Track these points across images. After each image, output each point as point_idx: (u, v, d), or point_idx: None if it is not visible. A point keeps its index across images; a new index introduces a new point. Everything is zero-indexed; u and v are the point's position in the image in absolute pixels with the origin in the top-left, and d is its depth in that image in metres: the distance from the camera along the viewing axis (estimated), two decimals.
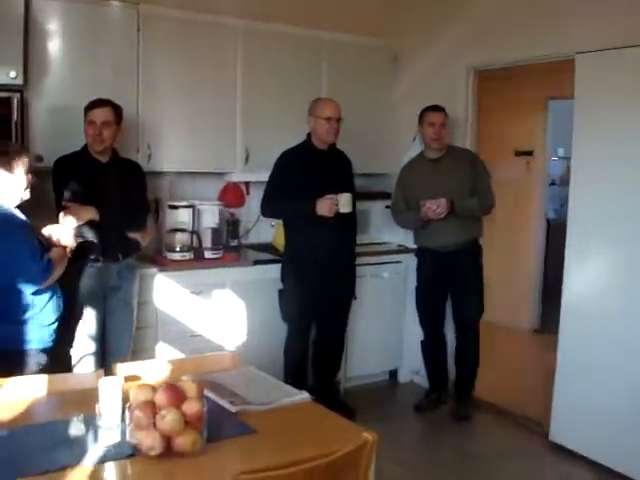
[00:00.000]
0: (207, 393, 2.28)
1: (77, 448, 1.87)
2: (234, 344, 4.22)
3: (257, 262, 4.46)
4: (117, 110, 3.60)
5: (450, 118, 4.39)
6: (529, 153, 6.30)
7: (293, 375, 4.26)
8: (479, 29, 4.46)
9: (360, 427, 2.02)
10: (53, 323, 2.90)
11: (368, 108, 4.93)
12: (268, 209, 4.21)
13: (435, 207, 4.09)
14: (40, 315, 2.82)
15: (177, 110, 4.24)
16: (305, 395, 2.38)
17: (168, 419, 1.84)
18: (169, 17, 4.14)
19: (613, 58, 3.54)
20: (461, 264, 4.28)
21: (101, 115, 3.51)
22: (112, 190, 3.57)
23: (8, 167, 2.77)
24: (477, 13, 4.48)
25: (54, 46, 3.83)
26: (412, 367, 4.95)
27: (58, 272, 2.88)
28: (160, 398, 1.90)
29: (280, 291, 4.30)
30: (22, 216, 2.82)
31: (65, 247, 2.99)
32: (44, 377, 2.38)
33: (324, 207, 3.97)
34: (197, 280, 4.15)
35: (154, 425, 1.84)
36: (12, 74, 3.58)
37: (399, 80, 5.12)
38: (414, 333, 4.70)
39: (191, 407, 1.90)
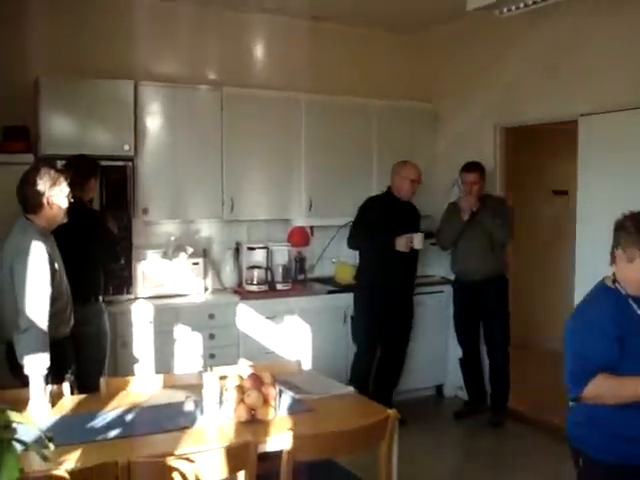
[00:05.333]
0: (280, 387, 3.16)
1: (191, 417, 2.77)
2: (302, 359, 5.07)
3: (330, 292, 5.36)
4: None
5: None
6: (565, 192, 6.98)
7: (357, 387, 5.07)
8: (503, 95, 5.30)
9: (386, 409, 2.80)
10: None
11: (413, 161, 5.76)
12: (354, 242, 5.07)
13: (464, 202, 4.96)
14: None
15: (253, 170, 5.22)
16: (350, 389, 3.23)
17: (252, 396, 2.72)
18: (245, 95, 5.15)
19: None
20: (488, 296, 5.03)
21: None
22: None
23: None
24: (501, 81, 5.30)
25: (155, 122, 4.87)
26: (457, 383, 5.68)
27: None
28: (247, 383, 2.79)
29: (352, 317, 5.14)
30: None
31: None
32: (161, 375, 3.32)
33: (402, 243, 4.81)
34: (271, 307, 5.07)
35: (242, 401, 2.72)
36: (126, 147, 4.65)
37: (439, 137, 5.97)
38: (457, 354, 5.45)
39: (267, 389, 2.78)
